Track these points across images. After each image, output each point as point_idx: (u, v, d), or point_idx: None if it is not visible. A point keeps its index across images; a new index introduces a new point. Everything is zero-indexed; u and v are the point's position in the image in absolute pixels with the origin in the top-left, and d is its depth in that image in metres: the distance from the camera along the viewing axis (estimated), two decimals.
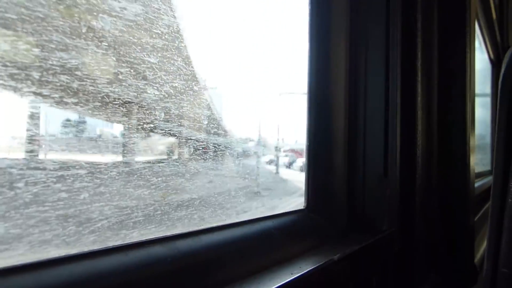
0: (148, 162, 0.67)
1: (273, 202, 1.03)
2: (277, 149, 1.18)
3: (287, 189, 1.26)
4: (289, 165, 1.43)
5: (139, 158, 0.65)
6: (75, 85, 0.55)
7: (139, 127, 0.65)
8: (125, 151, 0.63)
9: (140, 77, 0.64)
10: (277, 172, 1.26)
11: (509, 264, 0.64)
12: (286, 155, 1.43)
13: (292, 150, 1.42)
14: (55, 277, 0.50)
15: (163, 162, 0.69)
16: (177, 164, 0.72)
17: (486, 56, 3.56)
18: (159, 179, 0.67)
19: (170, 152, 0.70)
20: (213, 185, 0.78)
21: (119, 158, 0.62)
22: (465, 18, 1.37)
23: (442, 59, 1.36)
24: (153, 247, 0.64)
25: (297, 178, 1.31)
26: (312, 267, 0.79)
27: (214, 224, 0.80)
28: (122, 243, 0.59)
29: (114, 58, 0.60)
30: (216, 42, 0.87)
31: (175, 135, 0.72)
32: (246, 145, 1.13)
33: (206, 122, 0.77)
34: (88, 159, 0.57)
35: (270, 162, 1.33)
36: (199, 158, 0.77)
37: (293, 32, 1.17)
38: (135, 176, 0.64)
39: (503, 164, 0.62)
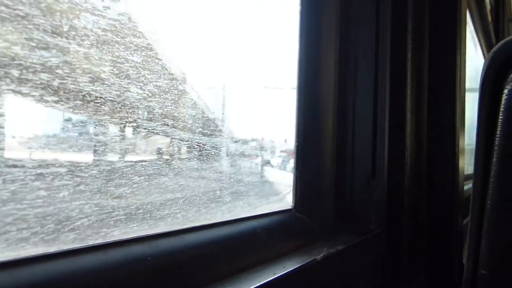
0: (132, 161, 0.67)
1: (259, 202, 1.03)
2: (263, 149, 1.18)
3: (274, 190, 1.27)
4: (283, 166, 1.44)
5: (124, 158, 0.65)
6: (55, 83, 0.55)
7: (122, 125, 0.65)
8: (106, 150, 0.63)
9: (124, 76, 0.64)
10: (262, 173, 1.26)
11: (488, 265, 0.65)
12: (279, 156, 1.43)
13: (286, 151, 1.42)
14: (32, 275, 0.50)
15: (146, 161, 0.69)
16: (160, 163, 0.72)
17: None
18: (141, 177, 0.67)
19: (155, 151, 0.71)
20: (197, 185, 0.78)
21: (101, 156, 0.63)
22: (456, 19, 1.37)
23: (432, 60, 1.37)
24: (133, 246, 0.64)
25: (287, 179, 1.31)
26: (295, 267, 0.79)
27: (198, 223, 0.80)
28: (102, 241, 0.59)
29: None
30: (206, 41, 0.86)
31: (159, 134, 0.72)
32: (237, 145, 1.13)
33: (191, 121, 0.77)
34: (69, 158, 0.58)
35: (264, 163, 1.32)
36: (184, 157, 0.77)
37: (281, 31, 1.17)
38: (117, 174, 0.64)
39: (483, 166, 0.62)
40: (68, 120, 0.57)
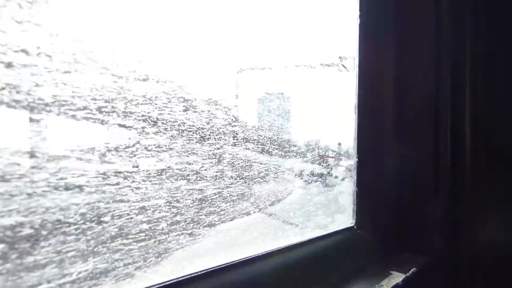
0: (219, 187, 0.66)
1: None
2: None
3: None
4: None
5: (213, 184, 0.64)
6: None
7: (210, 152, 0.64)
8: None
9: None
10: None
11: None
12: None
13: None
14: None
15: (231, 187, 0.68)
16: (243, 187, 0.71)
17: None
18: (228, 204, 0.66)
19: (238, 177, 0.70)
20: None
21: None
22: None
23: (487, 71, 1.32)
24: (220, 276, 0.63)
25: None
26: None
27: (273, 248, 0.78)
28: (197, 271, 0.58)
29: None
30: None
31: (241, 159, 0.71)
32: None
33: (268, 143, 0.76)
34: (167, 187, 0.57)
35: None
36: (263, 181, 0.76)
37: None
38: (207, 202, 0.63)
39: None
40: (167, 150, 0.56)
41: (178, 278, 0.59)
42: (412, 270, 0.88)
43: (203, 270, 0.62)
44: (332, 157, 1.22)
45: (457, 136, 1.18)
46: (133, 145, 0.52)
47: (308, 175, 1.02)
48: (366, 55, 1.11)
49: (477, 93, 1.31)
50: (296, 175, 0.94)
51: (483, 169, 1.31)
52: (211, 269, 0.63)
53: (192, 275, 0.60)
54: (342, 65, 1.15)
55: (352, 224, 1.09)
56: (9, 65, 0.41)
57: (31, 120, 0.45)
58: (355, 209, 1.10)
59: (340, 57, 1.17)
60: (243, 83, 0.75)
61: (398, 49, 1.16)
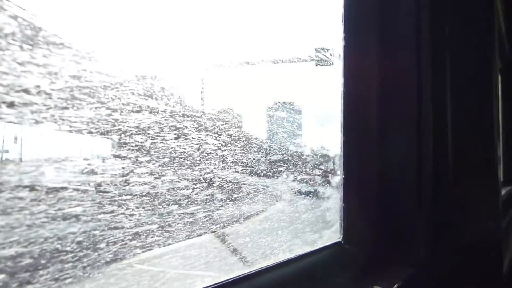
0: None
1: None
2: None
3: None
4: None
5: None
6: None
7: (201, 176, 0.67)
8: None
9: None
10: None
11: None
12: None
13: None
14: None
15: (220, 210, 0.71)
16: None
17: None
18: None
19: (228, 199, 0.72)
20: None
21: None
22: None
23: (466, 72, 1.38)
24: None
25: None
26: None
27: (260, 267, 0.81)
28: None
29: None
30: None
31: (230, 182, 0.73)
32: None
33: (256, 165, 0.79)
34: None
35: None
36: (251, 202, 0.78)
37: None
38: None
39: None
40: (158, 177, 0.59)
41: None
42: (395, 285, 0.91)
43: None
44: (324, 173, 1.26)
45: (439, 148, 1.22)
46: (127, 174, 0.54)
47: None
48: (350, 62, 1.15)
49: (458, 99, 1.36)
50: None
51: (465, 176, 1.36)
52: None
53: None
54: (322, 58, 1.18)
55: (340, 239, 1.13)
56: (11, 104, 0.44)
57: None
58: (342, 224, 1.13)
59: (317, 49, 1.20)
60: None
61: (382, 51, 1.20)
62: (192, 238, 0.65)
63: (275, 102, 1.03)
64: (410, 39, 1.20)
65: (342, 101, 1.15)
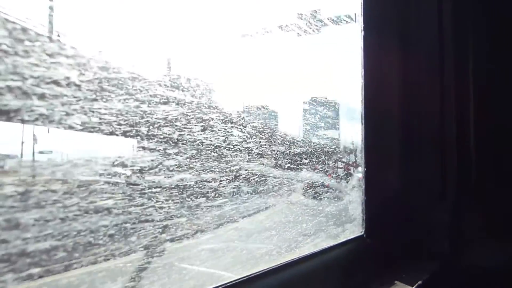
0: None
1: None
2: None
3: None
4: None
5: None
6: None
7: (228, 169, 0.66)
8: None
9: None
10: None
11: None
12: None
13: None
14: None
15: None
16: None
17: None
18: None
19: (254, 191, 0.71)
20: None
21: None
22: None
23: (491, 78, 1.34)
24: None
25: None
26: None
27: (284, 261, 0.80)
28: None
29: None
30: None
31: (256, 175, 0.72)
32: None
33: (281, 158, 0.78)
34: None
35: None
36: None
37: None
38: None
39: None
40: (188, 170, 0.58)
41: None
42: (418, 283, 0.89)
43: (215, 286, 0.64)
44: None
45: (463, 142, 1.19)
46: (156, 166, 0.53)
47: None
48: (371, 64, 1.13)
49: (481, 98, 1.33)
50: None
51: (490, 173, 1.32)
52: (227, 284, 0.65)
53: None
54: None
55: (362, 233, 1.11)
56: (41, 96, 0.43)
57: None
58: (364, 218, 1.11)
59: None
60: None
61: (403, 55, 1.17)
62: None
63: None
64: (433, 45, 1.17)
65: (363, 96, 1.13)
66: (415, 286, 0.96)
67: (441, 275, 1.05)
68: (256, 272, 0.72)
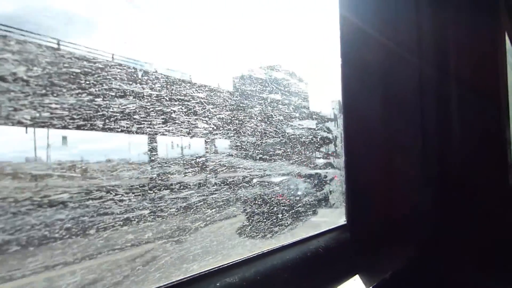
0: None
1: None
2: None
3: None
4: None
5: None
6: None
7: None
8: None
9: None
10: None
11: None
12: None
13: None
14: None
15: None
16: None
17: None
18: None
19: None
20: None
21: None
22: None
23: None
24: (211, 279, 0.66)
25: None
26: None
27: (265, 249, 0.81)
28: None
29: None
30: None
31: None
32: None
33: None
34: None
35: None
36: None
37: None
38: None
39: None
40: None
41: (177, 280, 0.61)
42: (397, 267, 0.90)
43: (199, 272, 0.65)
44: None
45: (444, 126, 1.20)
46: None
47: None
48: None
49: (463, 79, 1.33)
50: None
51: (471, 157, 1.33)
52: (207, 271, 0.66)
53: (188, 278, 0.62)
54: None
55: (345, 222, 1.12)
56: None
57: None
58: (346, 207, 1.12)
59: None
60: None
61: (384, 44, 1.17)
62: None
63: None
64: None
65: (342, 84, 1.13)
66: (397, 269, 0.97)
67: (422, 261, 1.06)
68: (234, 261, 0.72)
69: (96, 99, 0.49)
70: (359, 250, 1.06)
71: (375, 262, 0.99)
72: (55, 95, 0.45)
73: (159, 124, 0.57)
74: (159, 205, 0.60)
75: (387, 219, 1.15)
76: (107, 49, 0.53)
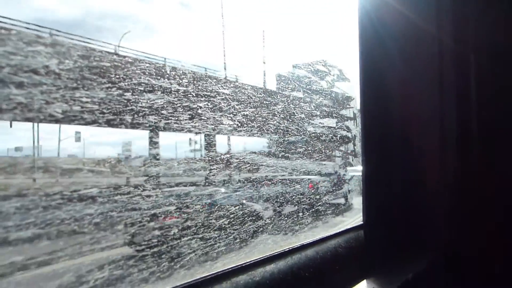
0: None
1: None
2: None
3: None
4: None
5: None
6: None
7: None
8: None
9: None
10: None
11: None
12: None
13: None
14: None
15: None
16: None
17: None
18: None
19: None
20: None
21: None
22: None
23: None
24: (234, 278, 0.66)
25: None
26: None
27: (285, 248, 0.81)
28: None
29: None
30: None
31: None
32: None
33: None
34: None
35: None
36: None
37: None
38: None
39: None
40: None
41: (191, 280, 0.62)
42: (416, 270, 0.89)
43: (215, 272, 0.65)
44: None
45: (464, 128, 1.18)
46: None
47: None
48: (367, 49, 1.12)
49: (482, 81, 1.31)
50: None
51: (490, 162, 1.32)
52: (224, 271, 0.66)
53: (204, 278, 0.63)
54: None
55: (362, 222, 1.11)
56: None
57: None
58: (364, 207, 1.12)
59: None
60: None
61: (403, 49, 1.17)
62: None
63: None
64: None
65: (361, 88, 1.13)
66: (416, 271, 0.96)
67: (439, 264, 1.06)
68: (255, 259, 0.73)
69: None
70: (375, 251, 1.05)
71: (393, 264, 0.99)
72: None
73: None
74: None
75: (405, 220, 1.14)
76: None
